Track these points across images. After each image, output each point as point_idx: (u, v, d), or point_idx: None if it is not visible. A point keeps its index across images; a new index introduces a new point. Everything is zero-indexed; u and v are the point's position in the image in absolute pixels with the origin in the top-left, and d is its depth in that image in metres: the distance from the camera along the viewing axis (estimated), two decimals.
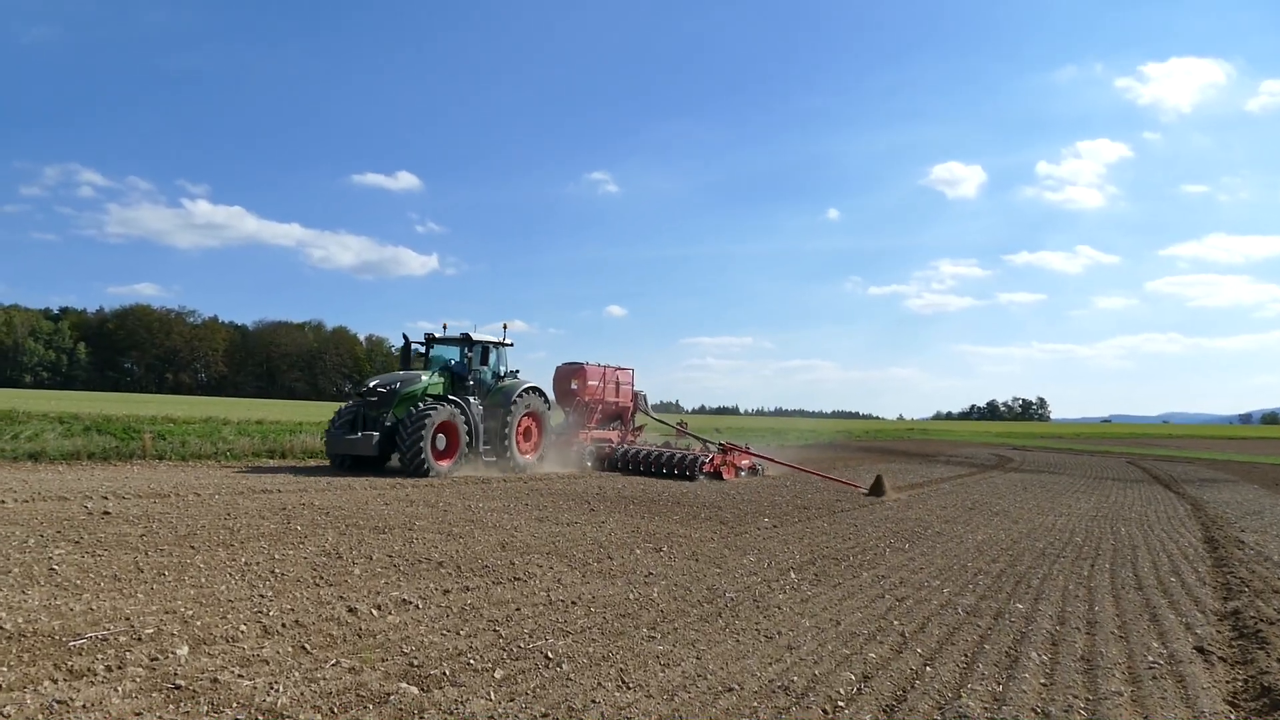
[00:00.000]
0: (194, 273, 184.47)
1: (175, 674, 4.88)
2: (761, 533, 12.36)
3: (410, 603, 6.93)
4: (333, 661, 5.31)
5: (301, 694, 4.70)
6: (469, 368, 21.23)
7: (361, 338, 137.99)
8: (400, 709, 4.59)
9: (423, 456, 18.52)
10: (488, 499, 14.88)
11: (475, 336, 21.62)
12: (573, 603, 7.33)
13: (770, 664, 5.85)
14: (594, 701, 4.89)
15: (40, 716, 4.19)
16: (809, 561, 10.13)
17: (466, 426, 19.97)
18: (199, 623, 5.94)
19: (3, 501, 11.20)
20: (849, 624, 7.14)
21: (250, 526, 10.28)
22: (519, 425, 21.54)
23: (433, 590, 7.44)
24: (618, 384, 27.54)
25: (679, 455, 23.06)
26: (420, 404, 19.54)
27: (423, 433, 18.59)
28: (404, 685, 4.93)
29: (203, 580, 7.26)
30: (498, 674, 5.26)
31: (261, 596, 6.83)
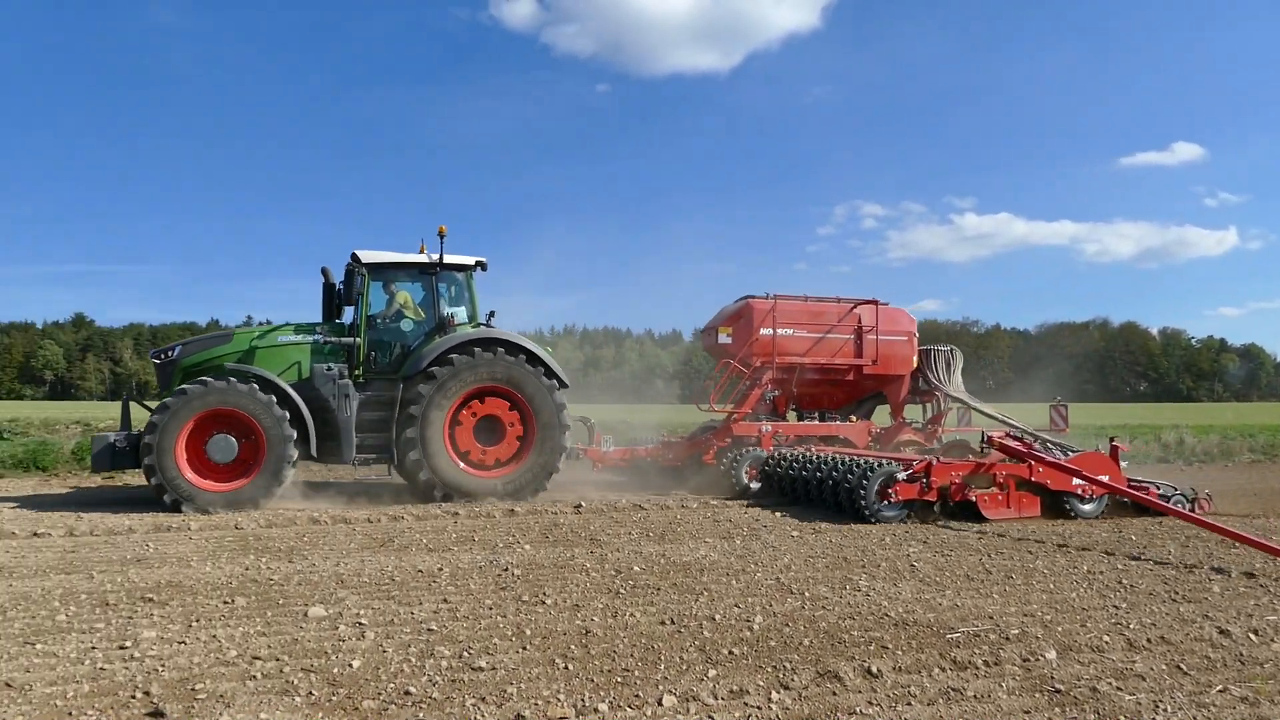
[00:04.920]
0: (970, 284, 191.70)
1: (1051, 677, 4.97)
2: None
3: None
4: (1218, 687, 4.86)
5: (1192, 717, 4.40)
6: (360, 311, 12.58)
7: (1154, 332, 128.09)
8: None
9: (149, 461, 11.06)
10: None
11: (366, 256, 12.66)
12: None
13: None
14: None
15: (940, 701, 4.63)
16: None
17: (290, 420, 11.55)
18: (1059, 628, 5.99)
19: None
20: None
21: (1083, 533, 10.13)
22: (453, 411, 12.25)
23: None
24: (858, 330, 15.42)
25: (846, 465, 11.59)
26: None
27: (154, 421, 11.16)
28: None
29: (1050, 585, 7.33)
30: None
31: (1115, 608, 6.62)
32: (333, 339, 12.45)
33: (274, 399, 11.49)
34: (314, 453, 11.96)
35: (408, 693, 4.60)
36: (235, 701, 4.44)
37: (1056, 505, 11.26)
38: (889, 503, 10.71)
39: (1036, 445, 13.41)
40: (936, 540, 9.53)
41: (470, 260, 13.05)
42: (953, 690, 4.76)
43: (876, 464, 11.13)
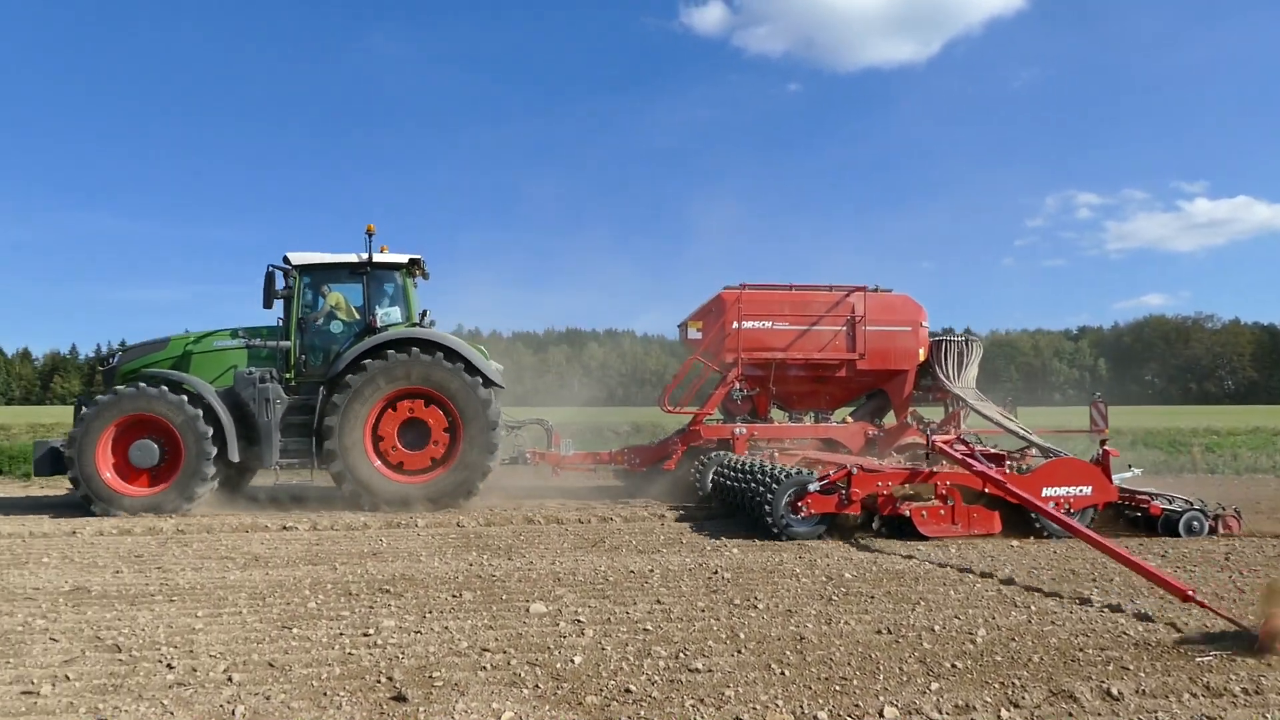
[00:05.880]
0: (1201, 275, 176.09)
1: None
2: None
3: None
4: None
5: None
6: (292, 314, 12.45)
7: None
8: None
9: (71, 465, 11.37)
10: None
11: (296, 258, 12.48)
12: None
13: None
14: None
15: None
16: None
17: (207, 425, 11.46)
18: None
19: None
20: None
21: None
22: (375, 413, 11.88)
23: None
24: (850, 321, 14.02)
25: (762, 473, 10.29)
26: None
27: (76, 427, 11.48)
28: None
29: None
30: None
31: None
32: (266, 342, 12.37)
33: (190, 403, 11.48)
34: (232, 457, 11.68)
35: (628, 690, 4.71)
36: (469, 690, 4.69)
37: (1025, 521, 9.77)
38: (800, 516, 9.49)
39: (1032, 451, 12.06)
40: (1177, 554, 8.80)
41: (402, 259, 12.71)
42: (1207, 718, 4.38)
43: (790, 472, 9.88)
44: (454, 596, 6.85)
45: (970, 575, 7.70)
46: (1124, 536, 9.74)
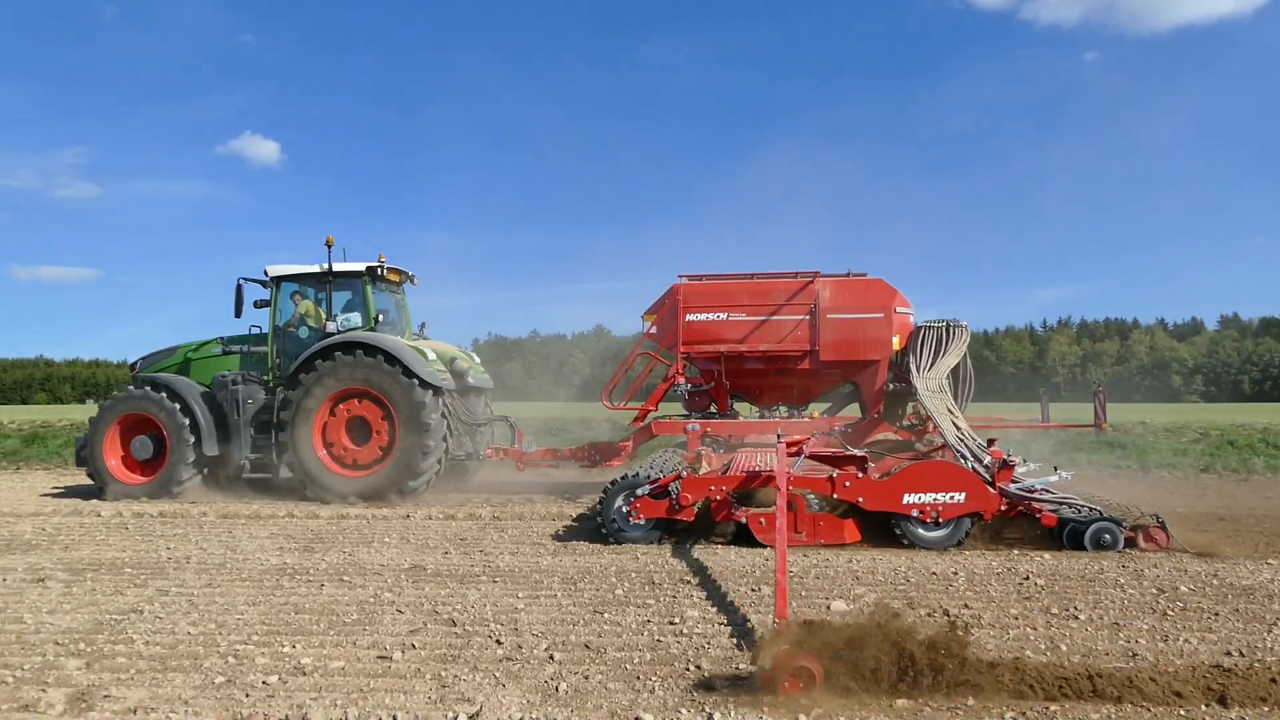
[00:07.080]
0: None
1: None
2: None
3: None
4: None
5: None
6: (270, 321, 13.64)
7: None
8: None
9: (84, 456, 13.33)
10: None
11: (273, 270, 13.57)
12: None
13: None
14: None
15: None
16: None
17: (189, 422, 12.88)
18: None
19: None
20: None
21: None
22: (323, 413, 12.69)
23: None
24: (813, 310, 12.77)
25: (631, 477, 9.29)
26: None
27: (89, 424, 13.31)
28: None
29: None
30: None
31: None
32: (252, 348, 13.64)
33: (177, 405, 12.88)
34: (207, 451, 12.95)
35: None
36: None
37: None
38: (633, 521, 8.81)
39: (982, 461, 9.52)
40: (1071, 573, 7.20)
41: (359, 267, 13.36)
42: None
43: (637, 474, 9.36)
44: (753, 590, 6.91)
45: None
46: (1038, 550, 8.56)
